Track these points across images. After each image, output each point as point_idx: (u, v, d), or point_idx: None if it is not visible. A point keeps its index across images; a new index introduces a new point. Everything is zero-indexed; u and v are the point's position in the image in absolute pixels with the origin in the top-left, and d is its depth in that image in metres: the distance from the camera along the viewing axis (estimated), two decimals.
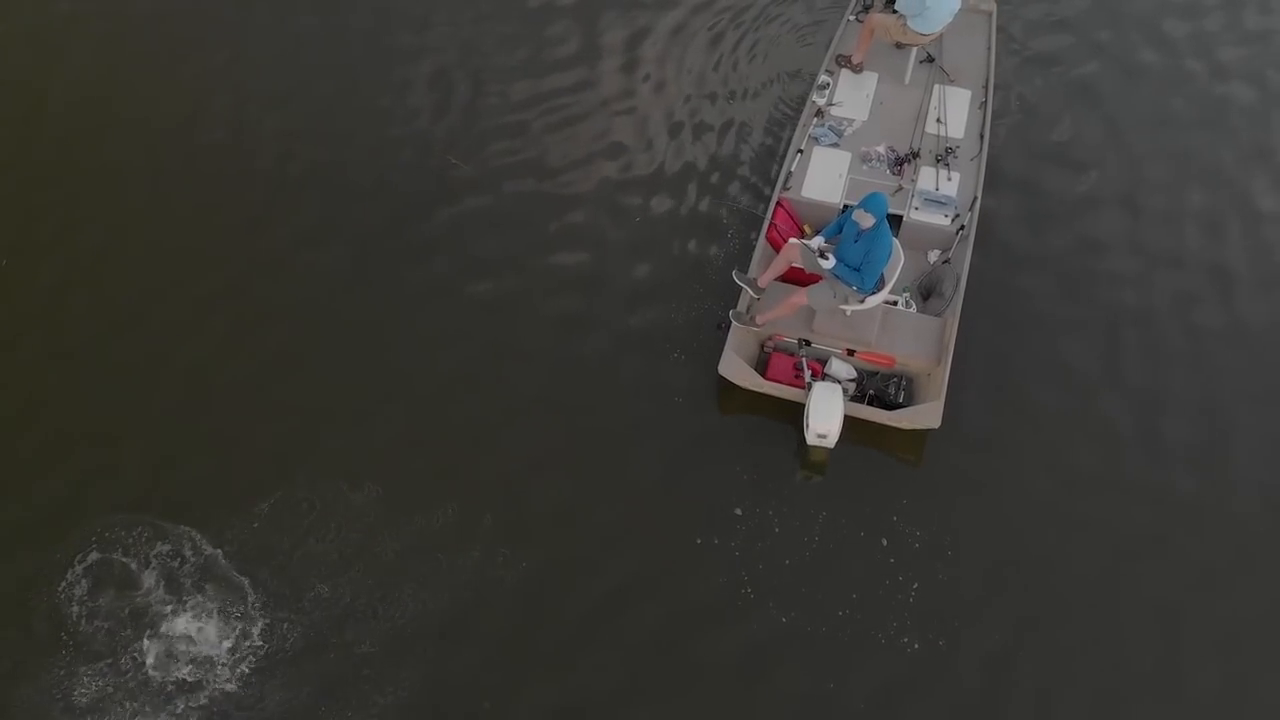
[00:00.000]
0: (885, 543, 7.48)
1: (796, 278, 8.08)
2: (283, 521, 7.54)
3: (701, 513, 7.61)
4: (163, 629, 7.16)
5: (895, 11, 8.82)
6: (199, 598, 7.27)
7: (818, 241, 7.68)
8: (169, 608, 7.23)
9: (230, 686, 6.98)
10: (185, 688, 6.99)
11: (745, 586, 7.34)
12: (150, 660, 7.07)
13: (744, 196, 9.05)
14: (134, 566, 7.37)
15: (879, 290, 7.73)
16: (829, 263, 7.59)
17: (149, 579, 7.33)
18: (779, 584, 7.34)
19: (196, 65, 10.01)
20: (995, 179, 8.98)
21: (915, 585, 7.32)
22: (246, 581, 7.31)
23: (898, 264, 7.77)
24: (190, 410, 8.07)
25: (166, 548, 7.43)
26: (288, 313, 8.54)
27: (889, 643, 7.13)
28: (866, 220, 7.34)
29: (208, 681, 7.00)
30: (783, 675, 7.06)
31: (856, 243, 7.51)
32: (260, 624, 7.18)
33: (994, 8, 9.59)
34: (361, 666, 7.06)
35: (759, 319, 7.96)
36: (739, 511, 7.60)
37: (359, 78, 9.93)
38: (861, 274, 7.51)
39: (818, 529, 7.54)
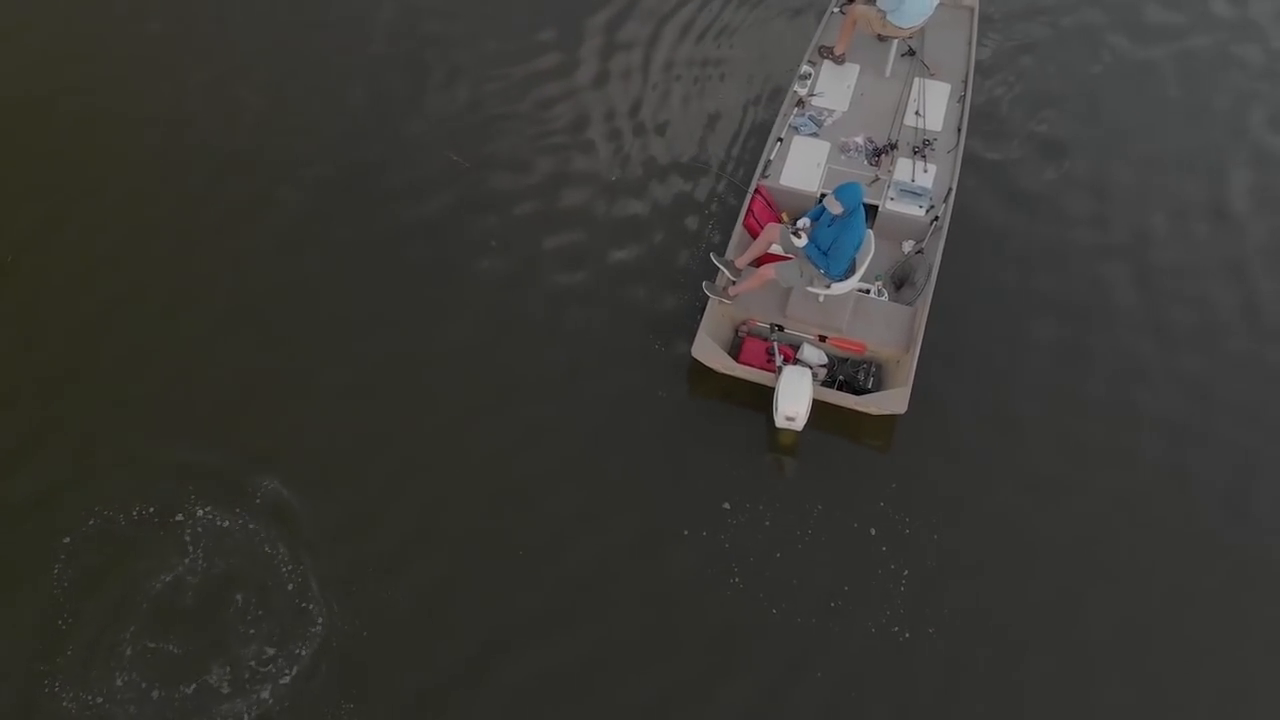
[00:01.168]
0: (874, 532, 7.55)
1: (771, 263, 8.20)
2: (284, 489, 7.69)
3: (691, 505, 7.64)
4: (171, 598, 7.28)
5: (876, 4, 8.94)
6: (210, 563, 7.40)
7: (802, 221, 7.80)
8: (178, 574, 7.36)
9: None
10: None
11: (734, 576, 7.40)
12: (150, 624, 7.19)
13: (730, 174, 9.23)
14: (138, 532, 7.51)
15: (849, 277, 7.85)
16: (801, 241, 7.73)
17: (155, 544, 7.46)
18: (770, 576, 7.36)
19: (180, 52, 10.20)
20: (972, 165, 9.19)
21: (906, 573, 7.38)
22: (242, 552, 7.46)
23: (868, 253, 7.88)
24: (188, 387, 8.21)
25: (172, 513, 7.57)
26: (271, 296, 8.67)
27: (879, 631, 7.17)
28: (836, 208, 7.46)
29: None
30: (771, 665, 7.08)
31: (829, 228, 7.64)
32: (255, 587, 7.32)
33: (976, 3, 9.71)
34: (344, 641, 7.18)
35: (731, 291, 8.10)
36: (727, 506, 7.66)
37: (340, 65, 10.09)
38: (829, 258, 7.63)
39: (810, 522, 7.55)
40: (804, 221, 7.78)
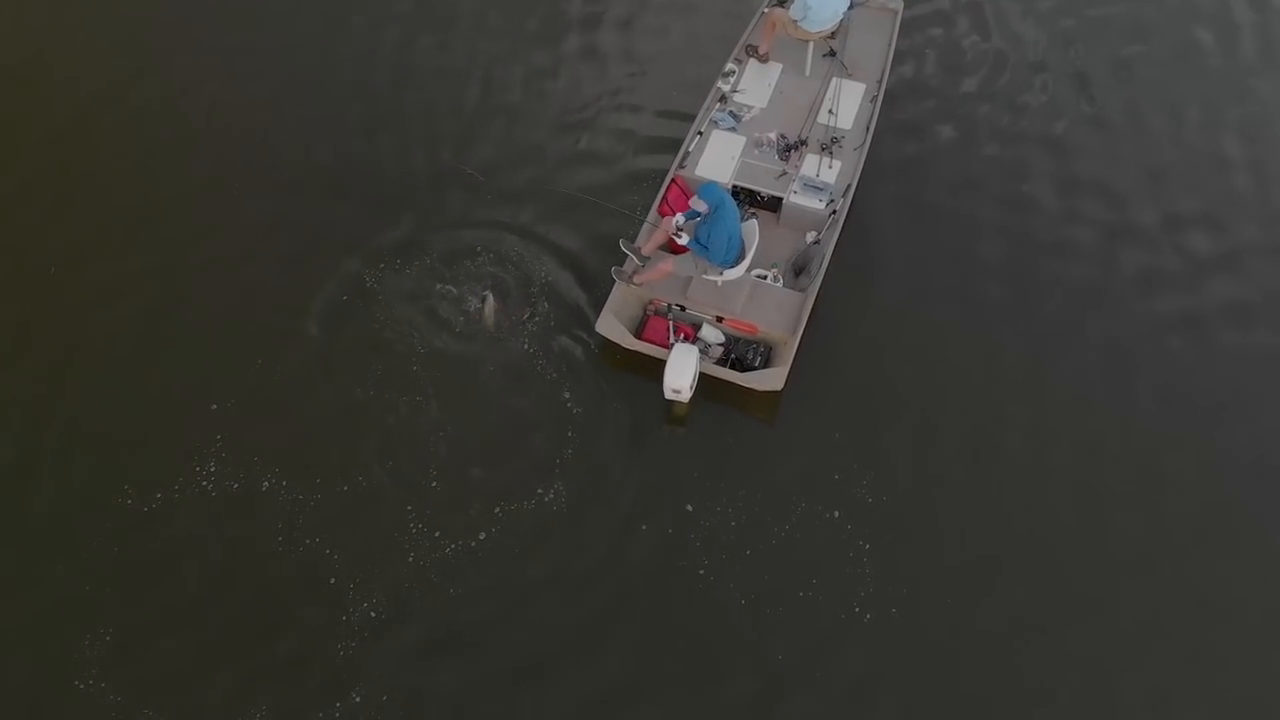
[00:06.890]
0: (837, 515, 8.11)
1: (676, 249, 8.90)
2: None
3: (652, 503, 8.19)
4: None
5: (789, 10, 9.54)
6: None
7: (680, 220, 8.52)
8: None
9: None
10: None
11: (702, 569, 7.93)
12: None
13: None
14: None
15: (738, 264, 8.53)
16: (682, 239, 8.45)
17: None
18: (741, 570, 7.88)
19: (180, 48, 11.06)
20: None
21: (868, 547, 7.92)
22: None
23: (753, 240, 8.55)
24: None
25: None
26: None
27: (849, 617, 7.71)
28: (700, 206, 8.22)
29: None
30: (743, 655, 7.63)
31: (704, 225, 8.35)
32: None
33: (900, 7, 10.24)
34: None
35: (636, 278, 8.82)
36: (690, 508, 8.19)
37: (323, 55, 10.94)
38: (709, 250, 8.34)
39: (792, 519, 8.07)
40: (681, 219, 8.49)
